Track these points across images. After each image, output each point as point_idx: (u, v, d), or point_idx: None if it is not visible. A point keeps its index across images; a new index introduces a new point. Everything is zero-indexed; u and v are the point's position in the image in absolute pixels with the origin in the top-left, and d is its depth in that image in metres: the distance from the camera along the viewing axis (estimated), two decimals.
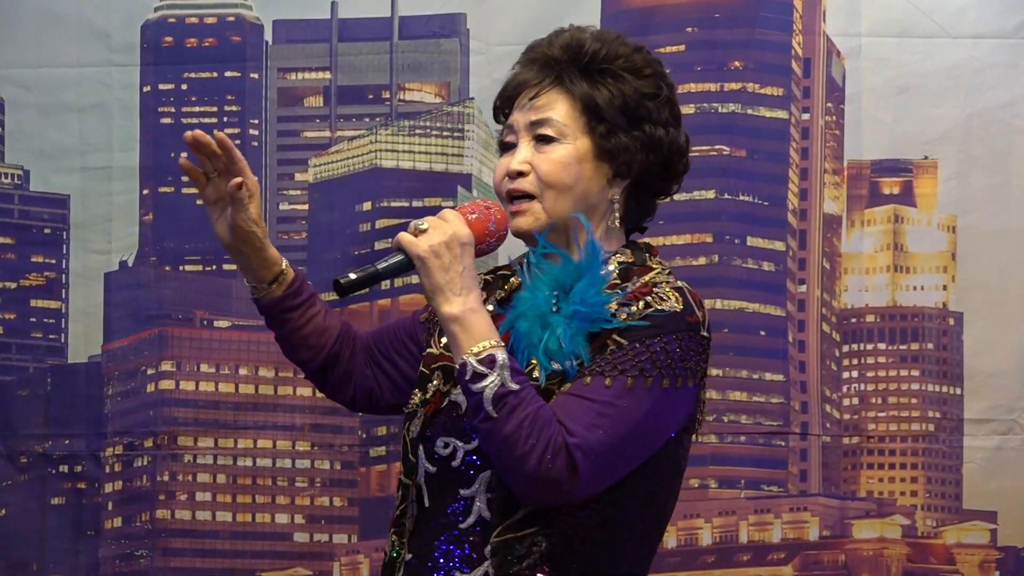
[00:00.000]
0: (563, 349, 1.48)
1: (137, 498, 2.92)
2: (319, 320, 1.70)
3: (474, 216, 1.50)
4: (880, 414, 2.91)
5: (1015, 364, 2.85)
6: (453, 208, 1.57)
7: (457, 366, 1.43)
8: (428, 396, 1.60)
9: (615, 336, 1.45)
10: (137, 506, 2.92)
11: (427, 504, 1.56)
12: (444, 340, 1.61)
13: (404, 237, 1.46)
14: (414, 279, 1.55)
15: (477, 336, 1.43)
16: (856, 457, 2.97)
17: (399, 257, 1.47)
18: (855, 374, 2.95)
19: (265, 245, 1.61)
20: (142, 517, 2.91)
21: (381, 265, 1.48)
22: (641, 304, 1.47)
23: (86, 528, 2.93)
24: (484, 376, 1.42)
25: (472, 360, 1.40)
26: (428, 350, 1.65)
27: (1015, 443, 2.78)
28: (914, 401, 2.90)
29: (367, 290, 1.59)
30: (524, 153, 1.55)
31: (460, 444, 1.53)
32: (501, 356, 1.42)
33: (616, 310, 1.47)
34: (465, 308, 1.46)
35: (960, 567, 2.80)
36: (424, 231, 1.46)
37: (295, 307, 1.67)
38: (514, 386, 1.41)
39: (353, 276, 1.49)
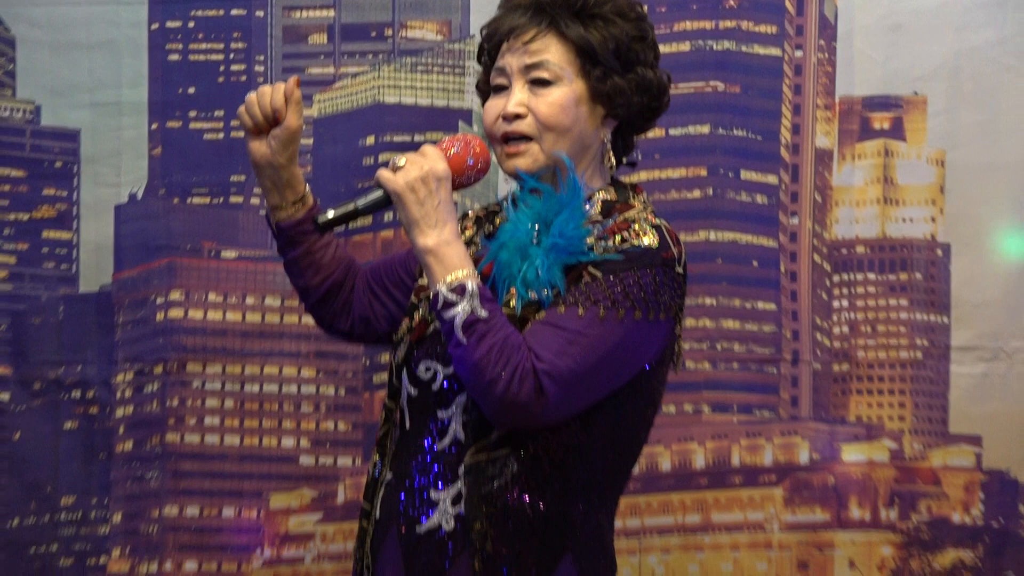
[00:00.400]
0: (540, 279, 1.55)
1: (147, 423, 3.02)
2: (331, 247, 1.75)
3: (453, 151, 1.53)
4: (869, 342, 2.98)
5: (1001, 294, 2.92)
6: (436, 143, 1.61)
7: (431, 295, 1.49)
8: (414, 324, 1.66)
9: (590, 268, 1.50)
10: (147, 430, 3.02)
11: (408, 427, 1.62)
12: None
13: (382, 173, 1.50)
14: None
15: (449, 266, 1.47)
16: (845, 383, 3.05)
17: (378, 193, 1.51)
18: (845, 303, 3.02)
19: (297, 163, 1.69)
20: (152, 441, 3.00)
21: (360, 202, 1.53)
22: (618, 239, 1.53)
23: (98, 451, 3.03)
24: (454, 304, 1.47)
25: (444, 289, 1.45)
26: (419, 281, 1.70)
27: (1000, 370, 2.86)
28: (902, 329, 2.96)
29: (344, 227, 1.63)
30: (520, 96, 1.58)
31: (440, 368, 1.59)
32: (471, 285, 1.46)
33: (593, 244, 1.53)
34: (439, 240, 1.50)
35: (946, 489, 2.89)
36: (401, 167, 1.50)
37: (312, 230, 1.71)
38: (483, 313, 1.46)
39: (331, 214, 1.54)
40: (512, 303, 1.56)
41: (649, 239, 1.56)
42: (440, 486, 1.60)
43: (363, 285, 1.82)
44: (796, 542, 2.98)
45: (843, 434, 2.98)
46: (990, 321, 2.92)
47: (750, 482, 2.97)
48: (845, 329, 3.06)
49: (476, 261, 1.61)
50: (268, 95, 1.68)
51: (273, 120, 1.67)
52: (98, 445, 3.07)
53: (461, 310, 1.49)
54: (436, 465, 1.61)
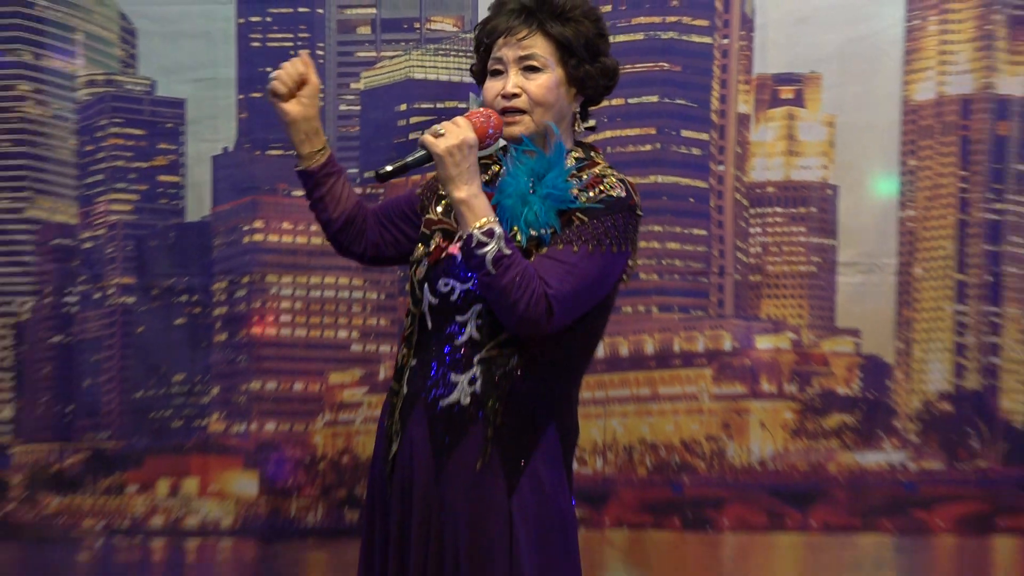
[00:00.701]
0: (539, 220, 1.82)
1: (237, 319, 3.57)
2: (345, 188, 1.99)
3: (480, 122, 1.79)
4: (776, 259, 3.49)
5: (874, 222, 3.46)
6: (464, 115, 1.83)
7: (464, 236, 1.73)
8: (431, 249, 1.91)
9: (578, 214, 1.81)
10: (237, 325, 3.56)
11: (429, 327, 1.89)
12: (440, 208, 1.96)
13: (427, 139, 1.75)
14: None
15: (479, 214, 1.72)
16: (759, 290, 3.60)
17: (422, 153, 1.76)
18: (759, 230, 3.51)
19: (318, 121, 1.96)
20: (241, 333, 3.54)
21: (409, 159, 1.78)
22: (596, 191, 1.84)
23: (201, 341, 3.56)
24: (486, 244, 1.72)
25: (477, 232, 1.71)
26: (427, 215, 1.96)
27: (875, 280, 3.44)
28: (801, 249, 3.48)
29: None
30: (515, 80, 1.87)
31: (458, 284, 1.87)
32: (498, 229, 1.73)
33: (577, 194, 1.82)
34: (470, 194, 1.74)
35: (833, 369, 3.47)
36: (442, 135, 1.74)
37: (332, 173, 1.97)
38: (508, 251, 1.71)
39: (389, 168, 1.79)
40: (519, 238, 1.81)
41: (618, 191, 1.84)
42: (459, 371, 1.88)
43: (374, 219, 2.06)
44: (721, 409, 3.50)
45: (757, 328, 3.51)
46: (867, 243, 3.46)
47: (687, 364, 3.52)
48: (759, 249, 3.55)
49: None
50: (294, 66, 1.96)
51: (299, 83, 1.93)
52: (200, 336, 3.58)
53: (491, 249, 1.74)
54: (455, 356, 1.89)
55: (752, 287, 3.68)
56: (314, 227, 3.49)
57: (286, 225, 3.64)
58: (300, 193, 3.35)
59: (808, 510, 3.67)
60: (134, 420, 3.84)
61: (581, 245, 1.81)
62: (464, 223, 1.73)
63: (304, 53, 2.03)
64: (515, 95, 1.86)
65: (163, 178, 3.76)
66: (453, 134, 1.77)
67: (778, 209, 3.66)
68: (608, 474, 3.53)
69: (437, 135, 1.77)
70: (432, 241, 1.94)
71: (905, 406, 3.76)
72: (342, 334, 3.71)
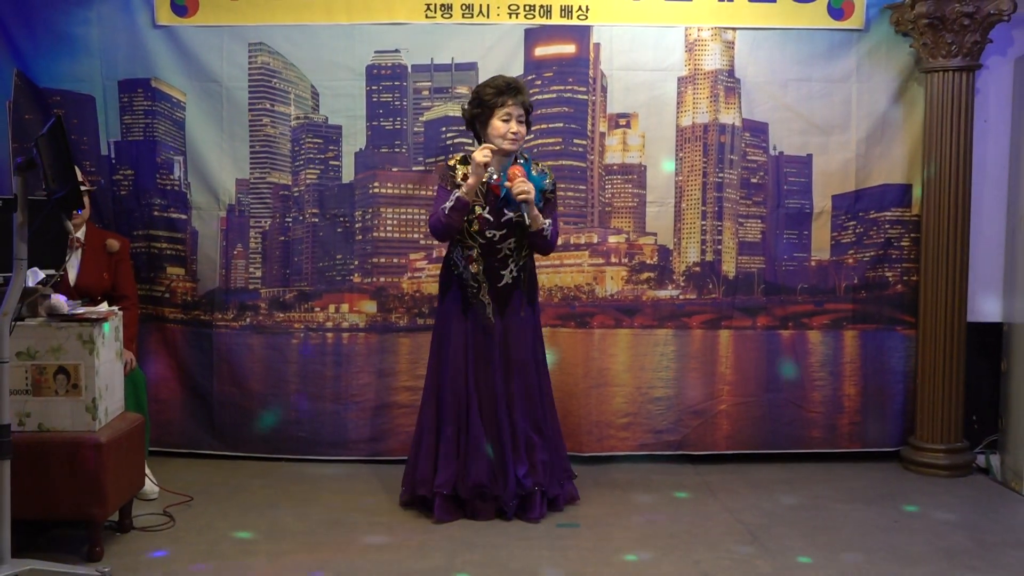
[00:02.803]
0: (534, 197, 4.41)
1: (367, 229, 5.60)
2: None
3: (522, 177, 4.19)
4: (618, 199, 5.66)
5: (664, 183, 5.65)
6: (517, 173, 4.25)
7: (541, 229, 4.37)
8: (475, 217, 4.39)
9: (548, 193, 4.47)
10: (366, 232, 5.60)
11: (484, 249, 4.38)
12: (464, 190, 4.36)
13: (520, 197, 4.28)
14: None
15: (542, 221, 4.40)
16: (609, 214, 5.72)
17: (525, 204, 4.23)
18: (609, 186, 5.67)
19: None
20: (368, 236, 5.63)
21: (523, 208, 4.28)
22: (549, 179, 4.52)
23: (349, 239, 5.61)
24: (544, 229, 4.44)
25: (545, 227, 4.41)
26: (474, 211, 4.37)
27: (664, 210, 5.72)
28: (629, 194, 5.65)
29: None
30: (515, 125, 4.39)
31: (498, 232, 4.47)
32: (549, 225, 4.41)
33: (546, 183, 4.45)
34: (536, 215, 4.37)
35: (644, 251, 5.65)
36: (527, 192, 4.25)
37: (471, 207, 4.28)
38: (549, 231, 4.45)
39: (514, 215, 4.22)
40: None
41: (553, 177, 4.52)
42: (506, 266, 4.51)
43: None
44: (593, 270, 5.68)
45: (609, 232, 5.68)
46: (659, 191, 5.67)
47: (577, 249, 5.75)
48: (610, 195, 5.63)
49: (491, 188, 4.45)
50: (487, 155, 4.24)
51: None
52: (349, 237, 5.60)
53: (548, 231, 4.45)
54: (503, 259, 4.50)
55: (605, 212, 5.70)
56: (401, 187, 5.59)
57: (389, 185, 5.54)
58: (396, 169, 5.60)
59: (633, 318, 5.72)
60: (318, 276, 5.63)
61: (557, 208, 4.49)
62: (536, 223, 4.28)
63: (487, 146, 4.20)
64: (515, 133, 4.30)
65: (332, 163, 5.59)
66: (531, 192, 4.20)
67: (618, 176, 5.68)
68: (541, 301, 5.08)
69: (526, 193, 4.16)
70: (475, 211, 4.30)
71: (677, 269, 5.79)
72: (416, 235, 5.59)
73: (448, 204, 4.37)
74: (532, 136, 5.31)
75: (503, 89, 4.40)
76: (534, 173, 4.47)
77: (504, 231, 4.44)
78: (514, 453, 4.44)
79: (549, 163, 4.93)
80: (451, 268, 4.57)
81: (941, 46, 5.38)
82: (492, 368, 4.45)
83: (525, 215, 4.38)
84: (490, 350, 4.44)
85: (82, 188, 4.91)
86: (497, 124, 4.36)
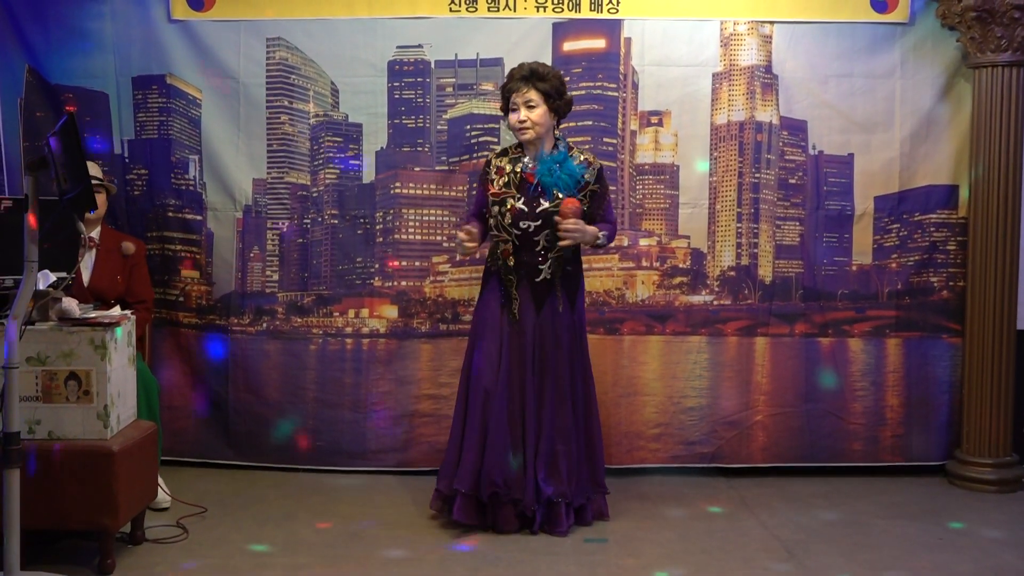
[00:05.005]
0: (562, 185, 4.49)
1: (387, 231, 5.67)
2: (481, 230, 4.56)
3: (573, 219, 4.34)
4: (649, 199, 5.73)
5: (697, 184, 5.68)
6: (566, 205, 4.40)
7: (598, 242, 4.60)
8: (507, 208, 4.47)
9: (592, 185, 4.53)
10: (387, 235, 5.72)
11: (519, 243, 4.44)
12: (497, 187, 4.57)
13: (564, 243, 4.47)
14: None
15: (594, 234, 4.56)
16: (640, 215, 5.80)
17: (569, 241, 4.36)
18: (640, 186, 5.71)
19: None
20: (389, 238, 5.70)
21: (560, 245, 4.49)
22: (590, 171, 4.57)
23: (369, 241, 5.71)
24: (600, 239, 4.61)
25: (602, 238, 4.62)
26: (492, 189, 4.51)
27: (698, 211, 5.71)
28: (661, 195, 5.71)
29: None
30: (523, 113, 4.46)
31: (532, 223, 4.50)
32: (603, 234, 4.61)
33: (583, 174, 4.49)
34: (591, 232, 4.55)
35: (677, 254, 5.72)
36: (579, 228, 4.43)
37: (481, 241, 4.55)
38: (604, 240, 4.64)
39: (548, 260, 4.41)
40: (559, 196, 4.36)
41: (597, 164, 4.52)
42: (541, 261, 4.52)
43: (478, 219, 4.49)
44: (623, 274, 5.71)
45: (640, 235, 5.74)
46: (691, 192, 5.68)
47: (607, 252, 5.72)
48: (641, 196, 5.72)
49: (525, 177, 4.53)
50: (470, 235, 4.41)
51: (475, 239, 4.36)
52: (369, 239, 5.71)
53: (603, 241, 4.65)
54: (539, 254, 4.49)
55: (636, 214, 5.74)
56: (424, 187, 5.71)
57: (411, 185, 5.62)
58: (419, 169, 5.67)
59: (665, 324, 5.76)
60: (337, 280, 5.71)
61: (607, 198, 4.54)
62: (594, 235, 4.47)
63: (470, 225, 4.35)
64: (523, 121, 4.39)
65: (352, 161, 5.66)
66: (581, 231, 4.46)
67: (649, 177, 5.75)
68: None
69: (570, 239, 4.39)
70: (508, 203, 4.37)
71: (711, 273, 5.81)
72: (439, 237, 5.68)
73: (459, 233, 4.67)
74: (560, 134, 5.20)
75: (509, 77, 4.51)
76: (574, 163, 4.53)
77: (539, 222, 4.46)
78: (536, 458, 4.49)
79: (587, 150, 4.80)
80: (493, 258, 4.67)
81: (990, 40, 5.37)
82: (524, 367, 4.51)
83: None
84: (523, 349, 4.49)
85: (103, 185, 5.11)
86: (511, 116, 4.49)
